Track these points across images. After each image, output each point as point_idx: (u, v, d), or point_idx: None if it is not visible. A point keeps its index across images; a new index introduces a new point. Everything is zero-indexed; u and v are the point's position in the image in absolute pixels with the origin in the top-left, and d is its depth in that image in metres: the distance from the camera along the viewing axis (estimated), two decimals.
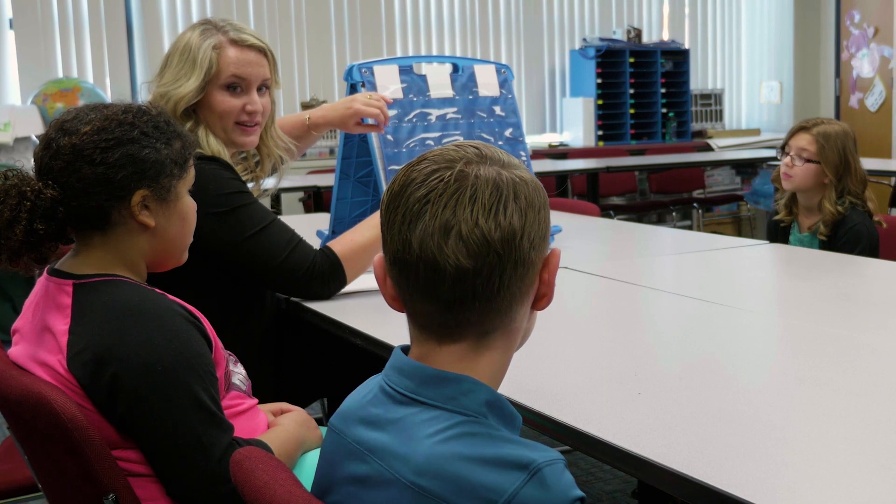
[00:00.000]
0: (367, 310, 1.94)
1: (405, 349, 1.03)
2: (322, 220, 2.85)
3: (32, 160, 1.42)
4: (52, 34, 5.82)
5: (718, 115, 8.25)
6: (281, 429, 1.54)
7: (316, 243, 2.08)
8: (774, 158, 5.69)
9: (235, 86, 2.03)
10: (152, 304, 1.36)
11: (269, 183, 2.30)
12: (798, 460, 1.11)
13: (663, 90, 7.70)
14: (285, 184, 4.38)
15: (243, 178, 2.06)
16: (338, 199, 2.52)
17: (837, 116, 7.94)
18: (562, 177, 6.43)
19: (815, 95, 8.32)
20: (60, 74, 5.77)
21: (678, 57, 7.83)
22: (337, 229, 2.48)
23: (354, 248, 2.04)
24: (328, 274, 2.00)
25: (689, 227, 7.40)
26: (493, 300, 0.95)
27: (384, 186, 2.36)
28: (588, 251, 2.70)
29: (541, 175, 5.19)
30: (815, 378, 1.43)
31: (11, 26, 5.74)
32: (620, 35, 7.69)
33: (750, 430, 1.21)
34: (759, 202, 7.12)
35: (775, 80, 8.42)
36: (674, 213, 7.51)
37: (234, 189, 1.96)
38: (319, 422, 1.71)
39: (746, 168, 7.66)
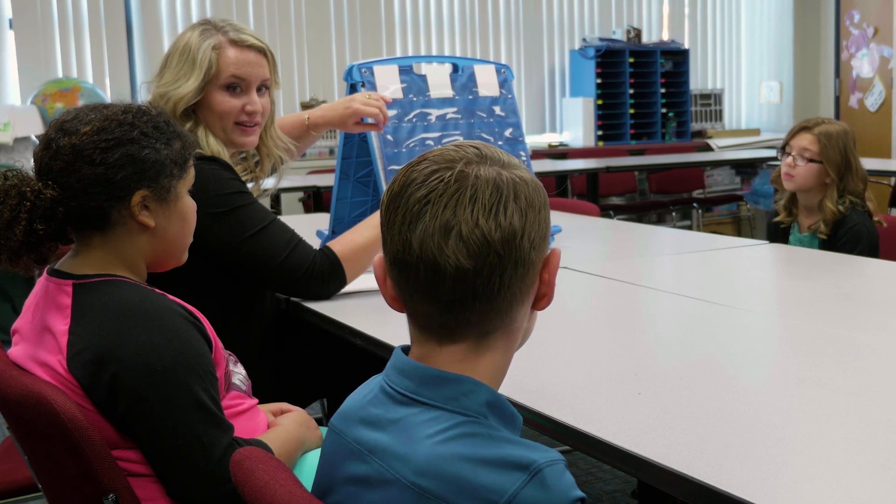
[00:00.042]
0: (367, 310, 1.94)
1: (406, 349, 1.02)
2: (322, 220, 2.85)
3: (32, 160, 1.42)
4: (51, 34, 5.82)
5: (718, 115, 8.25)
6: (281, 429, 1.54)
7: (316, 243, 2.08)
8: (774, 158, 5.69)
9: (235, 86, 2.03)
10: (152, 304, 1.36)
11: (269, 183, 2.30)
12: (798, 460, 1.11)
13: (663, 90, 7.70)
14: (285, 184, 4.38)
15: (243, 179, 2.06)
16: (338, 199, 2.52)
17: (837, 116, 7.94)
18: (561, 177, 6.43)
19: (814, 95, 8.32)
20: (60, 74, 5.77)
21: (678, 57, 7.83)
22: (337, 229, 2.48)
23: (354, 248, 2.04)
24: (328, 274, 2.00)
25: (689, 227, 7.40)
26: (493, 300, 0.95)
27: (384, 186, 2.36)
28: (588, 251, 2.70)
29: (540, 175, 5.19)
30: (815, 378, 1.43)
31: (11, 26, 5.74)
32: (620, 35, 7.70)
33: (750, 430, 1.21)
34: (759, 202, 7.13)
35: (775, 80, 8.42)
36: (673, 213, 7.51)
37: (233, 189, 1.96)
38: (319, 422, 1.71)
39: (746, 168, 7.66)
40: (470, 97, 2.55)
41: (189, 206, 1.49)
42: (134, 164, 1.38)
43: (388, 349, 1.63)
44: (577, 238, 2.84)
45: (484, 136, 2.55)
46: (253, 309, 2.09)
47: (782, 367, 1.55)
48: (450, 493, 0.89)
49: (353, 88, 2.44)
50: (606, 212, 6.48)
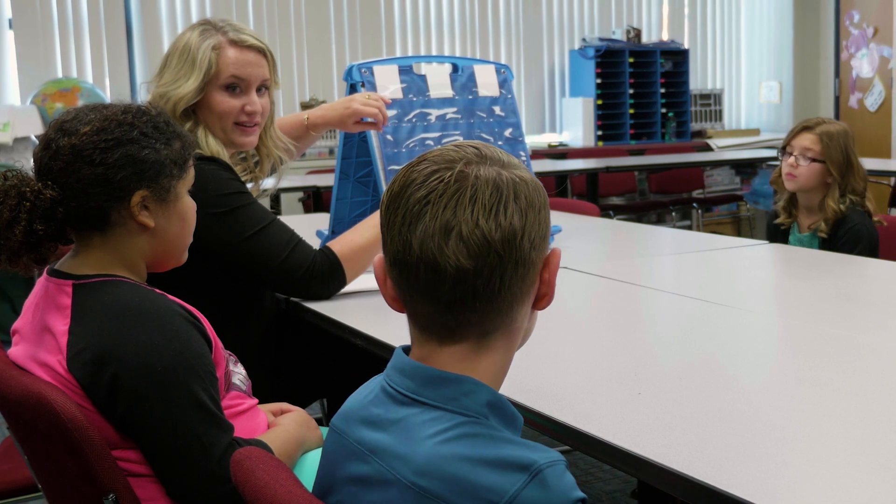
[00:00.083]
0: (367, 310, 1.94)
1: (406, 349, 1.02)
2: (322, 220, 2.85)
3: (32, 160, 1.42)
4: (51, 34, 5.82)
5: (718, 115, 8.25)
6: (281, 429, 1.54)
7: (315, 243, 2.08)
8: (774, 158, 5.69)
9: (235, 86, 2.03)
10: (152, 304, 1.36)
11: (269, 183, 2.30)
12: (798, 460, 1.11)
13: (663, 90, 7.70)
14: (285, 184, 4.38)
15: (242, 179, 2.05)
16: (337, 199, 2.52)
17: (837, 116, 7.94)
18: (561, 177, 6.43)
19: (814, 95, 8.32)
20: (60, 74, 5.77)
21: (678, 57, 7.83)
22: (336, 229, 2.48)
23: (354, 248, 2.04)
24: (328, 274, 2.00)
25: (689, 227, 7.40)
26: (493, 300, 0.95)
27: (384, 186, 2.36)
28: (588, 251, 2.70)
29: (540, 175, 5.19)
30: (815, 378, 1.43)
31: (11, 26, 5.74)
32: (620, 35, 7.70)
33: (750, 430, 1.21)
34: (759, 202, 7.13)
35: (775, 80, 8.42)
36: (673, 214, 7.51)
37: (233, 189, 1.96)
38: (319, 422, 1.71)
39: (746, 168, 7.66)
40: (470, 97, 2.55)
41: (189, 206, 1.49)
42: (134, 165, 1.38)
43: (388, 349, 1.64)
44: (577, 238, 2.84)
45: (484, 136, 2.55)
46: (253, 309, 2.09)
47: (782, 367, 1.55)
48: (450, 493, 0.89)
49: (352, 88, 2.44)
50: (606, 212, 6.48)
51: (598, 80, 7.40)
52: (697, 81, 8.19)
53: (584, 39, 7.60)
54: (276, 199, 5.28)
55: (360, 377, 1.12)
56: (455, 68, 2.56)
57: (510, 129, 2.60)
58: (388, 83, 2.45)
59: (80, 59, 5.91)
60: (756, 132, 8.26)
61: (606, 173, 6.39)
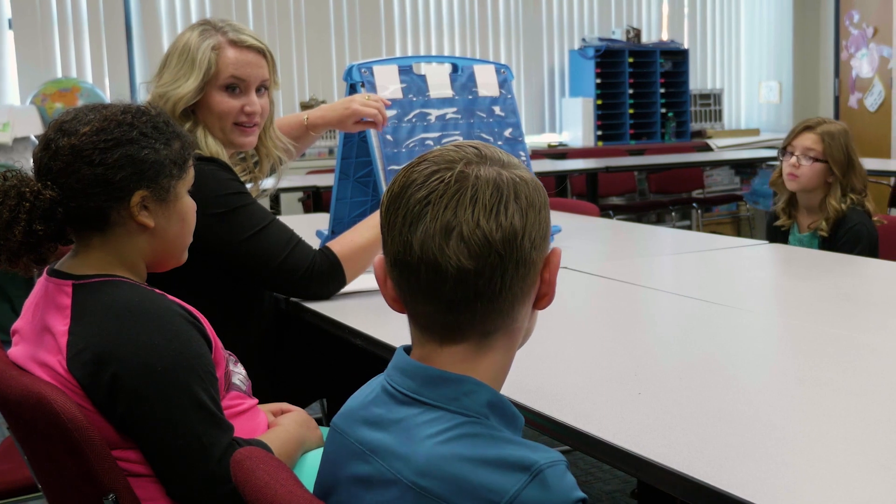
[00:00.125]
0: (367, 310, 1.94)
1: (408, 349, 1.02)
2: (321, 221, 2.85)
3: (31, 160, 1.42)
4: (51, 34, 5.82)
5: (718, 115, 8.25)
6: (281, 429, 1.54)
7: (315, 243, 2.08)
8: (774, 158, 5.69)
9: (234, 86, 2.03)
10: (152, 304, 1.36)
11: (268, 183, 2.30)
12: (798, 460, 1.11)
13: (662, 90, 7.71)
14: (285, 184, 4.39)
15: (242, 179, 2.05)
16: (337, 199, 2.52)
17: (837, 116, 7.94)
18: (561, 177, 6.43)
19: (814, 95, 8.32)
20: (59, 74, 5.77)
21: (677, 57, 7.83)
22: (336, 229, 2.48)
23: (354, 248, 2.04)
24: (327, 274, 2.00)
25: (689, 228, 7.40)
26: (495, 301, 0.95)
27: (384, 186, 2.36)
28: (587, 251, 2.70)
29: (540, 175, 5.19)
30: (815, 378, 1.43)
31: (10, 26, 5.74)
32: (620, 35, 7.70)
33: (750, 430, 1.21)
34: (759, 202, 7.13)
35: (774, 80, 8.42)
36: (673, 214, 7.51)
37: (232, 190, 1.96)
38: (319, 422, 1.71)
39: (746, 168, 7.66)
40: (469, 97, 2.55)
41: (189, 206, 1.49)
42: (133, 165, 1.38)
43: (388, 349, 1.64)
44: (577, 238, 2.84)
45: (483, 136, 2.55)
46: (253, 309, 2.09)
47: (782, 367, 1.55)
48: (450, 493, 0.89)
49: (352, 88, 2.44)
50: (606, 212, 6.48)
51: (598, 80, 7.40)
52: (697, 81, 8.19)
53: (583, 39, 7.60)
54: (275, 199, 5.28)
55: (360, 377, 1.12)
56: (455, 68, 2.56)
57: (510, 129, 2.60)
58: (388, 83, 2.45)
59: (79, 59, 5.91)
60: (756, 132, 8.26)
61: (606, 173, 6.39)
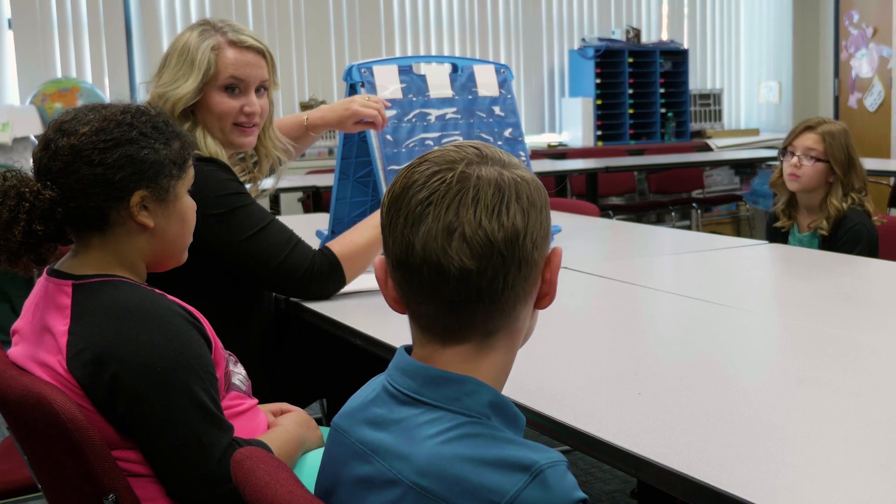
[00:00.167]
0: (367, 310, 1.94)
1: (409, 349, 1.02)
2: (321, 221, 2.85)
3: (31, 161, 1.42)
4: (50, 34, 5.82)
5: (717, 115, 8.26)
6: (281, 429, 1.54)
7: (315, 243, 2.08)
8: (773, 158, 5.69)
9: (234, 87, 2.02)
10: (152, 304, 1.36)
11: (267, 183, 2.30)
12: (798, 460, 1.11)
13: (662, 90, 7.71)
14: (284, 184, 4.39)
15: (241, 179, 2.05)
16: (337, 199, 2.52)
17: (836, 116, 7.94)
18: (560, 177, 6.43)
19: (813, 95, 8.32)
20: (59, 74, 5.77)
21: (677, 57, 7.83)
22: (336, 229, 2.48)
23: (354, 248, 2.04)
24: (327, 274, 2.00)
25: (688, 228, 7.40)
26: (497, 301, 0.95)
27: (383, 186, 2.36)
28: (587, 251, 2.70)
29: (540, 175, 5.17)
30: (815, 378, 1.43)
31: (10, 26, 5.73)
32: (619, 35, 7.70)
33: (750, 430, 1.21)
34: (759, 202, 7.13)
35: (774, 80, 8.42)
36: (673, 214, 7.51)
37: (231, 190, 1.96)
38: (319, 422, 1.71)
39: (745, 168, 7.66)
40: (469, 97, 2.55)
41: (188, 206, 1.49)
42: (133, 165, 1.38)
43: (388, 349, 1.64)
44: (577, 238, 2.85)
45: (483, 136, 2.55)
46: (252, 309, 2.09)
47: (782, 367, 1.55)
48: (451, 493, 0.89)
49: (352, 88, 2.44)
50: (605, 212, 6.48)
51: (598, 80, 7.41)
52: (697, 81, 8.19)
53: (583, 39, 7.60)
54: (275, 199, 5.28)
55: (360, 377, 1.12)
56: (455, 68, 2.56)
57: (510, 129, 2.60)
58: (388, 83, 2.45)
59: (79, 59, 5.91)
60: (755, 132, 8.26)
61: (606, 173, 6.39)
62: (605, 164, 6.15)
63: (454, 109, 2.52)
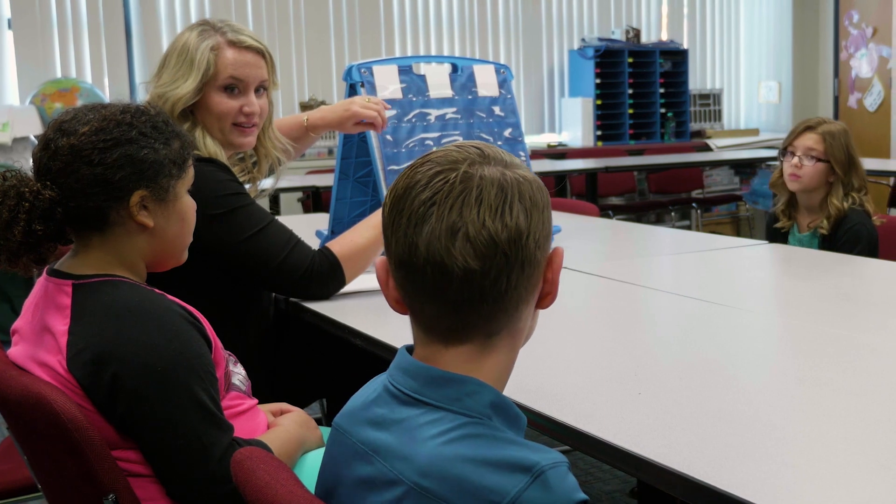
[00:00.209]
0: (367, 310, 1.94)
1: (410, 349, 1.02)
2: (321, 221, 2.85)
3: (31, 160, 1.42)
4: (50, 34, 5.82)
5: (717, 115, 8.26)
6: (281, 429, 1.54)
7: (315, 244, 2.07)
8: (773, 158, 5.69)
9: (233, 87, 2.02)
10: (152, 304, 1.36)
11: (267, 184, 2.30)
12: (798, 460, 1.11)
13: (662, 90, 7.71)
14: (284, 184, 4.39)
15: (240, 179, 2.05)
16: (337, 199, 2.52)
17: (836, 116, 7.94)
18: (560, 177, 6.43)
19: (813, 95, 8.32)
20: (59, 74, 5.77)
21: (677, 57, 7.83)
22: (336, 229, 2.48)
23: (354, 248, 2.03)
24: (327, 274, 2.00)
25: (688, 228, 7.41)
26: (500, 301, 0.95)
27: (383, 186, 2.36)
28: (587, 251, 2.70)
29: (539, 175, 5.15)
30: (815, 378, 1.43)
31: (10, 26, 5.73)
32: (619, 35, 7.70)
33: (750, 430, 1.21)
34: (758, 202, 7.13)
35: (774, 80, 8.42)
36: (672, 214, 7.51)
37: (231, 190, 1.96)
38: (319, 422, 1.71)
39: (745, 168, 7.66)
40: (469, 97, 2.55)
41: (188, 205, 1.49)
42: (132, 165, 1.38)
43: (388, 349, 1.64)
44: (577, 238, 2.84)
45: (483, 136, 2.55)
46: (252, 309, 2.09)
47: (782, 367, 1.55)
48: (452, 494, 0.89)
49: (352, 88, 2.44)
50: (605, 212, 6.48)
51: (598, 80, 7.40)
52: (696, 81, 8.19)
53: (583, 39, 7.60)
54: (275, 199, 5.28)
55: (360, 377, 1.12)
56: (454, 68, 2.56)
57: (510, 129, 2.60)
58: (388, 83, 2.45)
59: (79, 59, 5.91)
60: (755, 132, 8.26)
61: (605, 173, 6.39)
62: (605, 164, 6.15)
63: (454, 109, 2.52)
